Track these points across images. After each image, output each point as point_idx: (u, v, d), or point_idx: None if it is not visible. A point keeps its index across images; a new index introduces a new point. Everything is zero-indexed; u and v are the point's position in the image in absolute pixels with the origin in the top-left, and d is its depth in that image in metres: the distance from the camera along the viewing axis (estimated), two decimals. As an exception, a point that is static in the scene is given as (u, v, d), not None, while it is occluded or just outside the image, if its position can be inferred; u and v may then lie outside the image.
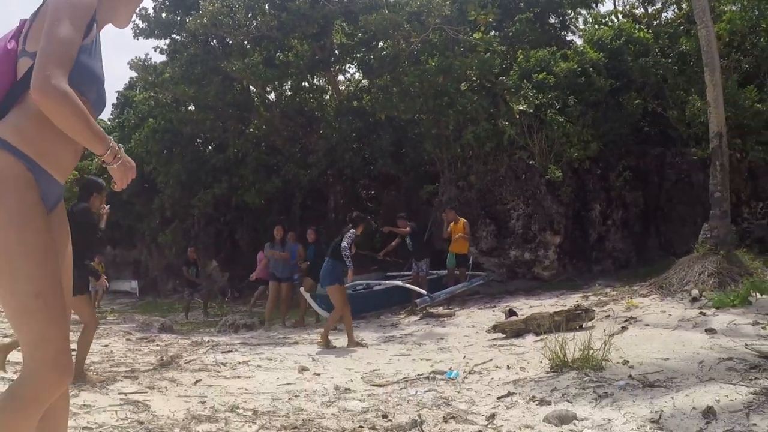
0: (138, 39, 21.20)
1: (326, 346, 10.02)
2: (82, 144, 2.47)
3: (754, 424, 4.24)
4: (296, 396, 6.36)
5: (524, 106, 15.57)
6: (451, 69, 16.50)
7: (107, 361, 9.14)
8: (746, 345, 6.67)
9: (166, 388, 6.75)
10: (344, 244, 10.62)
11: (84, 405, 5.59)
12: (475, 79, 17.12)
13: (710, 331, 7.73)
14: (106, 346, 11.28)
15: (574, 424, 4.64)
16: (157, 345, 11.44)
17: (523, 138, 15.94)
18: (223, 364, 8.54)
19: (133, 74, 26.13)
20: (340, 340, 10.84)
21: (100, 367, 8.38)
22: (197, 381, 7.19)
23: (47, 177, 2.47)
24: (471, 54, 16.84)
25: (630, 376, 5.83)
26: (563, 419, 4.73)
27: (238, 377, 7.60)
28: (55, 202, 2.60)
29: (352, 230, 10.80)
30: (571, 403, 5.23)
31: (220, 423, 5.11)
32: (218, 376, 7.66)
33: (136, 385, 6.88)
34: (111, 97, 35.18)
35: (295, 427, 4.97)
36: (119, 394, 6.30)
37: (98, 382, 6.81)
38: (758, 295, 9.55)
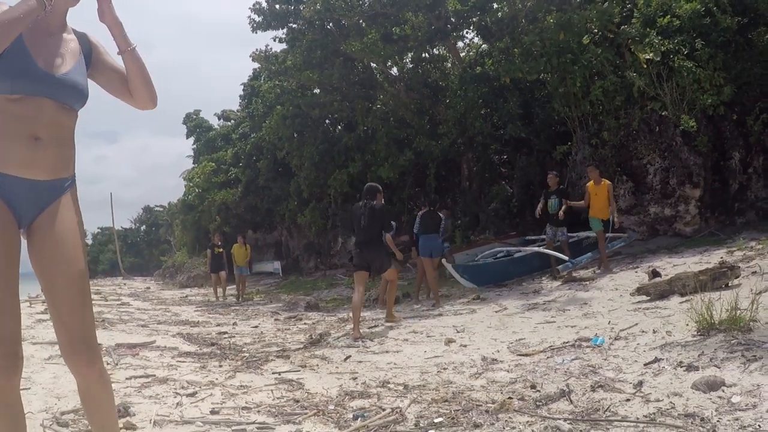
0: (256, 33, 21.72)
1: None
2: (26, 22, 2.50)
3: None
4: (444, 369, 6.45)
5: (651, 54, 14.90)
6: (570, 23, 16.04)
7: (258, 341, 9.56)
8: None
9: (317, 365, 7.01)
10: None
11: (241, 386, 5.89)
12: (596, 31, 16.56)
13: None
14: (256, 327, 11.83)
15: (723, 391, 4.48)
16: (304, 323, 11.88)
17: (653, 88, 15.27)
18: (371, 339, 8.75)
19: (256, 65, 26.91)
20: (483, 310, 10.91)
21: (253, 348, 8.76)
22: (347, 357, 7.42)
23: (4, 178, 2.56)
24: (589, 5, 16.34)
25: (779, 337, 5.53)
26: (712, 386, 4.56)
27: (387, 352, 7.78)
28: (39, 202, 2.67)
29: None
30: (719, 368, 5.02)
31: (372, 398, 5.25)
32: (367, 352, 7.87)
33: (289, 364, 7.18)
34: (238, 89, 36.38)
35: (446, 400, 5.03)
36: (273, 373, 6.59)
37: None
38: None
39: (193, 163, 41.74)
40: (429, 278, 13.55)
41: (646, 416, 4.22)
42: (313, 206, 25.63)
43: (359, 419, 4.60)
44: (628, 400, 4.63)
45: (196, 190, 36.57)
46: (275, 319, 13.03)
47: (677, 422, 4.03)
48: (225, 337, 10.09)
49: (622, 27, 16.13)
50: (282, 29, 21.96)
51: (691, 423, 3.99)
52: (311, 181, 24.47)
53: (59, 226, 2.69)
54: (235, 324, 12.41)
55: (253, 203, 31.76)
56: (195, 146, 42.07)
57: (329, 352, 7.84)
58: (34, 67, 2.59)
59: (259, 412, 4.89)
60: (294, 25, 21.63)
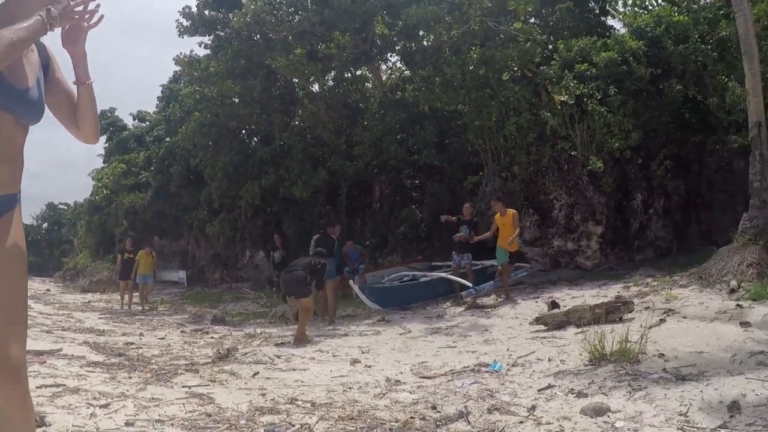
0: (183, 37, 21.59)
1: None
2: (31, 43, 2.52)
3: (776, 419, 4.44)
4: (350, 388, 6.71)
5: (565, 96, 15.63)
6: (492, 60, 16.66)
7: (166, 354, 9.56)
8: (778, 339, 6.82)
9: (226, 380, 7.12)
10: None
11: (152, 398, 5.94)
12: (516, 69, 17.16)
13: (745, 324, 7.82)
14: (163, 338, 11.74)
15: (608, 416, 4.94)
16: (211, 337, 11.88)
17: (564, 128, 16.03)
18: (278, 357, 8.90)
19: (177, 68, 26.58)
20: (388, 332, 11.23)
21: (161, 360, 8.78)
22: (255, 374, 7.55)
23: None
24: (512, 44, 16.96)
25: (664, 369, 6.07)
26: (598, 411, 5.03)
27: (294, 370, 7.97)
28: None
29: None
30: (607, 395, 5.51)
31: (282, 414, 5.45)
32: (274, 369, 8.03)
33: (198, 378, 7.26)
34: (156, 91, 35.75)
35: (352, 418, 5.30)
36: (183, 387, 6.65)
37: None
38: (795, 288, 9.62)
39: (104, 162, 40.65)
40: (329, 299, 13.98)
41: (537, 437, 4.62)
42: (223, 217, 25.39)
43: (271, 434, 4.82)
44: (521, 422, 5.03)
45: (105, 191, 35.68)
46: (181, 332, 12.95)
47: (565, 443, 4.43)
48: (132, 348, 10.01)
49: (542, 68, 16.86)
50: (209, 36, 21.87)
51: (578, 444, 4.40)
52: (223, 192, 24.30)
53: (3, 242, 2.62)
54: (141, 334, 12.26)
55: (162, 209, 31.11)
56: (107, 145, 40.95)
57: (237, 368, 7.94)
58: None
59: (173, 425, 5.00)
60: (221, 33, 21.55)
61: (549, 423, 4.95)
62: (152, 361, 8.58)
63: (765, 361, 6.01)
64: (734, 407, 4.73)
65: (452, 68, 17.06)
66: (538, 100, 16.79)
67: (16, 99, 2.57)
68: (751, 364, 5.97)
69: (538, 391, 6.00)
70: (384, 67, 23.42)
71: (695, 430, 4.51)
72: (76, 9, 2.66)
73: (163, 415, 5.32)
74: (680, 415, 4.79)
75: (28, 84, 2.62)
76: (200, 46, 22.46)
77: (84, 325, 13.65)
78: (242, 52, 20.77)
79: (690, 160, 17.58)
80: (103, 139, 41.30)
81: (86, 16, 2.71)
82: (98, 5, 2.74)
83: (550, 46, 18.11)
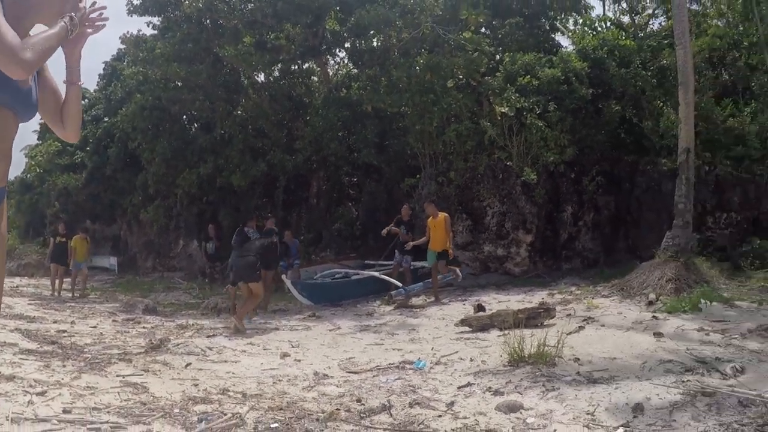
0: (132, 16, 20.96)
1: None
2: (57, 48, 2.60)
3: (674, 420, 4.90)
4: (279, 380, 6.97)
5: (506, 108, 16.06)
6: (438, 67, 16.96)
7: (99, 343, 9.58)
8: (687, 349, 7.33)
9: (159, 371, 7.28)
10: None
11: (87, 387, 6.08)
12: (461, 77, 17.54)
13: (658, 335, 8.32)
14: (95, 327, 11.67)
15: (521, 413, 5.35)
16: (143, 327, 11.86)
17: (502, 139, 16.47)
18: (210, 349, 9.06)
19: (122, 46, 25.75)
20: (318, 327, 11.46)
21: (94, 349, 8.82)
22: (188, 365, 7.73)
23: None
24: (459, 53, 17.30)
25: (578, 372, 6.52)
26: (512, 408, 5.46)
27: (225, 362, 8.16)
28: None
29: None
30: (521, 394, 5.93)
31: (214, 404, 5.69)
32: (206, 360, 8.21)
33: (132, 367, 7.38)
34: (98, 68, 34.58)
35: (281, 409, 5.58)
36: (117, 376, 6.79)
37: None
38: (708, 303, 10.24)
39: (38, 139, 39.15)
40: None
41: (453, 430, 5.02)
42: (158, 204, 24.76)
43: (204, 422, 5.04)
44: (440, 416, 5.40)
45: (37, 170, 34.55)
46: (113, 320, 12.85)
47: (479, 435, 4.79)
48: (65, 336, 9.99)
49: (486, 78, 17.26)
50: (159, 16, 21.31)
51: (490, 436, 4.78)
52: (159, 178, 23.76)
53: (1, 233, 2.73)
54: (73, 322, 12.14)
55: (96, 192, 29.91)
56: (42, 121, 39.42)
57: (170, 358, 8.07)
58: (8, 78, 2.53)
59: (109, 412, 5.17)
60: (171, 15, 21.00)
61: (465, 417, 5.32)
62: (85, 349, 8.63)
63: (672, 369, 6.45)
64: (638, 409, 5.15)
65: (399, 71, 17.29)
66: (479, 109, 17.21)
67: (22, 100, 2.70)
68: (660, 371, 6.41)
69: (458, 388, 6.37)
70: (332, 62, 23.49)
71: (599, 428, 4.91)
72: (92, 16, 2.81)
73: (99, 403, 5.48)
74: (587, 414, 5.19)
75: (29, 84, 2.74)
76: (148, 26, 21.89)
77: (13, 311, 13.35)
78: (191, 36, 20.44)
79: (622, 178, 18.25)
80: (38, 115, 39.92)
81: (96, 24, 2.86)
82: (108, 18, 2.89)
83: (497, 57, 18.55)
